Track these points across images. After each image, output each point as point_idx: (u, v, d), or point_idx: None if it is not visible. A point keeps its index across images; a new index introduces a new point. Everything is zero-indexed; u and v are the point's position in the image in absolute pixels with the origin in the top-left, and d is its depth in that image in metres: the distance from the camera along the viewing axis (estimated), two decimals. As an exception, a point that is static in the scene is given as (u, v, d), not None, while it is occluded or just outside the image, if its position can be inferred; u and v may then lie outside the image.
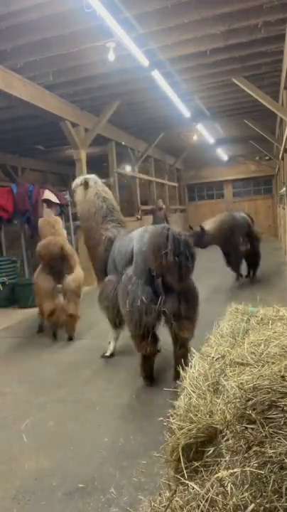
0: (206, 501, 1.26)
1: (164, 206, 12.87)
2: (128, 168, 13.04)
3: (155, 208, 12.68)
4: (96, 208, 4.36)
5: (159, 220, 11.37)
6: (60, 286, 5.31)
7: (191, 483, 1.40)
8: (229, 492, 1.29)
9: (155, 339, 3.53)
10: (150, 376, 3.67)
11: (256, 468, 1.34)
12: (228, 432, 1.64)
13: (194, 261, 3.39)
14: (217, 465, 1.56)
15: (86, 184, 4.47)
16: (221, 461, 1.55)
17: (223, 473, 1.39)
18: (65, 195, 8.67)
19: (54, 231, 5.54)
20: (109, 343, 4.48)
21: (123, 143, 11.50)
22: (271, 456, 1.38)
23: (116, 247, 4.10)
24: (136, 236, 3.76)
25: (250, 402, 1.64)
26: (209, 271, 8.17)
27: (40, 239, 5.48)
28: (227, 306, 3.30)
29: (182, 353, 3.45)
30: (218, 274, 8.15)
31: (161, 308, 3.42)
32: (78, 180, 4.64)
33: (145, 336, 3.44)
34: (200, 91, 8.79)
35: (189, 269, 3.36)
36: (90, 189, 4.45)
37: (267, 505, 1.23)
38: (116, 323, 4.19)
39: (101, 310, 4.28)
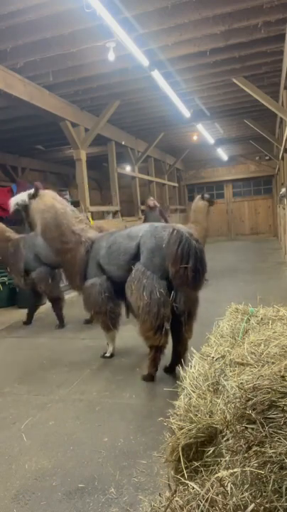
0: (206, 501, 1.26)
1: (158, 204, 10.66)
2: (128, 168, 13.03)
3: (146, 208, 10.42)
4: (64, 211, 4.20)
5: (154, 221, 9.14)
6: None
7: (191, 483, 1.40)
8: (229, 492, 1.29)
9: (167, 331, 3.64)
10: (157, 370, 3.76)
11: (256, 468, 1.34)
12: (228, 431, 1.64)
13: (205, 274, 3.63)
14: (217, 465, 1.56)
15: (36, 193, 4.25)
16: (221, 461, 1.55)
17: (223, 473, 1.38)
18: (65, 195, 8.67)
19: None
20: (108, 344, 4.48)
21: (123, 143, 11.50)
22: (271, 456, 1.38)
23: (103, 247, 4.05)
24: (141, 232, 3.76)
25: (250, 402, 1.64)
26: (209, 271, 8.15)
27: None
28: (227, 306, 3.30)
29: (184, 350, 3.68)
30: (218, 274, 8.15)
31: (173, 303, 3.56)
32: (23, 197, 4.35)
33: (161, 328, 3.57)
34: (200, 91, 8.79)
35: (201, 284, 3.61)
36: (44, 197, 4.23)
37: (267, 505, 1.23)
38: (110, 326, 4.20)
39: (93, 316, 4.28)
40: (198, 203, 7.93)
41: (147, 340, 3.67)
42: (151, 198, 10.50)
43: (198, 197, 8.04)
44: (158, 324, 3.54)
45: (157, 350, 3.66)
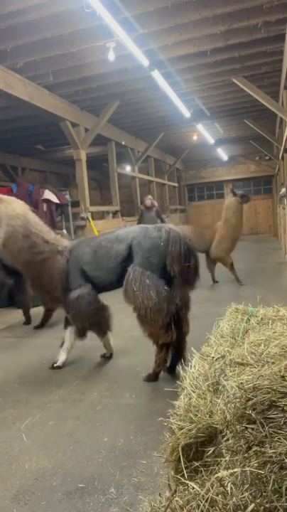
0: (206, 501, 1.26)
1: (156, 204, 10.27)
2: (128, 168, 13.03)
3: (143, 207, 10.13)
4: (34, 221, 3.94)
5: (150, 221, 8.89)
6: None
7: (191, 483, 1.40)
8: (229, 492, 1.29)
9: (174, 327, 3.73)
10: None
11: (256, 468, 1.34)
12: (228, 431, 1.64)
13: None
14: (217, 465, 1.56)
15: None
16: (221, 461, 1.55)
17: (223, 473, 1.38)
18: (65, 195, 8.67)
19: None
20: (104, 346, 4.43)
21: (123, 143, 11.50)
22: (271, 456, 1.38)
23: (87, 253, 3.95)
24: (132, 234, 3.76)
25: (250, 402, 1.64)
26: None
27: None
28: (227, 306, 3.30)
29: (184, 345, 3.74)
30: (218, 274, 8.14)
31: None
32: None
33: (170, 324, 3.64)
34: (200, 91, 8.80)
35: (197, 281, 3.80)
36: (13, 203, 3.92)
37: (267, 505, 1.23)
38: (105, 330, 4.24)
39: (89, 328, 4.12)
40: (230, 199, 7.75)
41: (159, 339, 3.66)
42: (149, 197, 10.10)
43: (230, 194, 7.89)
44: (167, 322, 3.60)
45: (167, 348, 3.70)
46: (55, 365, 4.21)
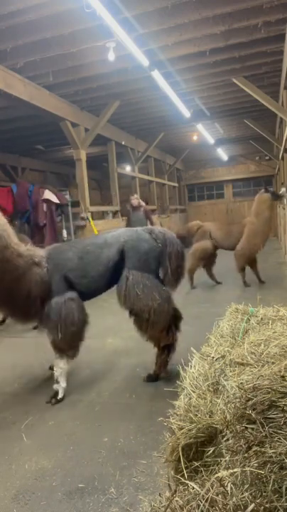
0: (206, 501, 1.26)
1: (143, 203, 9.48)
2: (128, 168, 13.03)
3: (129, 207, 9.39)
4: (7, 229, 3.35)
5: (138, 222, 8.44)
6: None
7: (191, 483, 1.40)
8: (229, 492, 1.29)
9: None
10: None
11: (256, 468, 1.34)
12: (228, 431, 1.64)
13: None
14: (217, 465, 1.56)
15: None
16: (221, 461, 1.55)
17: (223, 473, 1.38)
18: (65, 195, 8.67)
19: None
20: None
21: (123, 143, 11.50)
22: (271, 456, 1.38)
23: (70, 259, 3.64)
24: (123, 237, 3.66)
25: (250, 402, 1.64)
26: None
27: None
28: (227, 306, 3.30)
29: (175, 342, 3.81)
30: (217, 275, 8.15)
31: None
32: None
33: (171, 325, 3.70)
34: (200, 91, 8.79)
35: None
36: None
37: (267, 505, 1.23)
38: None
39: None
40: (262, 195, 7.58)
41: (161, 341, 3.65)
42: (135, 196, 9.44)
43: (262, 190, 7.84)
44: (169, 322, 3.64)
45: (169, 349, 3.71)
46: (57, 398, 3.56)
